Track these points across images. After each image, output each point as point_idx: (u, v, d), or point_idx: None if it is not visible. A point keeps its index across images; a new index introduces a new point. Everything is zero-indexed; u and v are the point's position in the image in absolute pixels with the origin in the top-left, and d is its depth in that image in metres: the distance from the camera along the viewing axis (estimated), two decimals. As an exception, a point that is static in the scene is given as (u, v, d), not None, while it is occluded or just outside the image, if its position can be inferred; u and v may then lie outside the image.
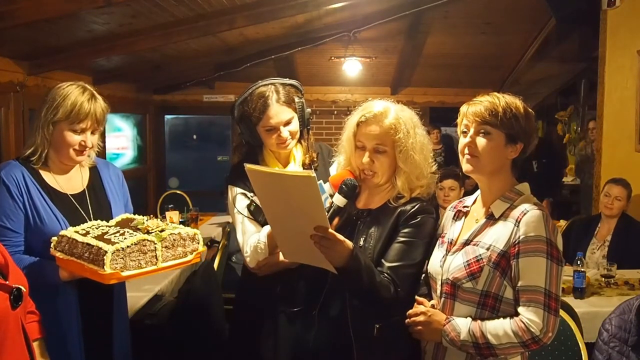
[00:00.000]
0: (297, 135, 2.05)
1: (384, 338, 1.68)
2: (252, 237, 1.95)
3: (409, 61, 6.56)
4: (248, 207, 1.99)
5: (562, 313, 1.91)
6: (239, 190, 2.02)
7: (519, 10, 5.39)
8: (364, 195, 1.85)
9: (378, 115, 1.74)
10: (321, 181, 2.04)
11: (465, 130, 1.63)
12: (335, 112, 7.27)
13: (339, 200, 1.72)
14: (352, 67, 6.28)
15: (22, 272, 1.68)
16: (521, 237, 1.52)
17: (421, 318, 1.62)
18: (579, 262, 3.01)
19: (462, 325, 1.56)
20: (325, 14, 5.16)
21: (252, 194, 1.99)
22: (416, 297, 1.71)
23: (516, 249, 1.52)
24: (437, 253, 1.70)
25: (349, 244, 1.58)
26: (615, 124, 4.36)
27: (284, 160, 2.09)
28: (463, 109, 1.64)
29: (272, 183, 1.60)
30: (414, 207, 1.73)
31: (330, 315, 1.74)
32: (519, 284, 1.52)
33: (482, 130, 1.59)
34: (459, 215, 1.74)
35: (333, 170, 2.05)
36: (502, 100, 1.59)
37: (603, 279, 3.09)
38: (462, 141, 1.63)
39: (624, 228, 3.57)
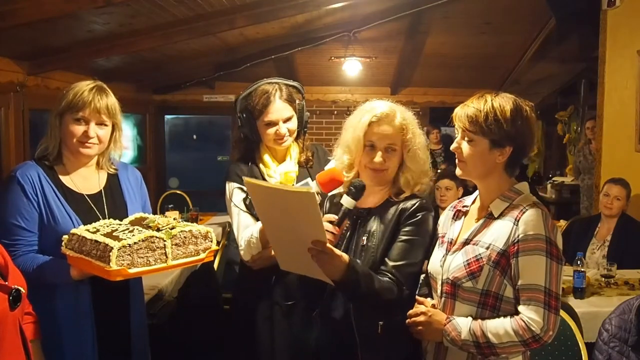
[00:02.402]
0: (295, 135, 2.10)
1: (388, 336, 1.69)
2: (246, 231, 2.00)
3: (409, 61, 6.56)
4: (244, 200, 2.03)
5: (562, 313, 1.91)
6: (235, 185, 2.07)
7: (519, 10, 5.38)
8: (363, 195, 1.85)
9: (387, 115, 1.76)
10: (309, 179, 2.10)
11: (457, 133, 1.65)
12: (335, 112, 7.26)
13: (348, 202, 1.71)
14: (352, 67, 6.28)
15: (35, 270, 1.70)
16: (520, 236, 1.52)
17: (422, 318, 1.63)
18: (579, 262, 3.01)
19: (463, 324, 1.56)
20: (325, 14, 5.16)
21: None
22: (417, 297, 1.72)
23: (515, 248, 1.52)
24: (437, 253, 1.71)
25: (346, 257, 1.59)
26: (615, 124, 4.35)
27: (280, 157, 2.13)
28: (455, 111, 1.64)
29: (271, 197, 1.61)
30: (414, 204, 1.74)
31: (333, 314, 1.75)
32: (519, 283, 1.52)
33: (466, 137, 1.60)
34: (459, 214, 1.74)
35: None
36: (487, 104, 1.56)
37: (603, 279, 3.09)
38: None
39: (623, 228, 3.56)
